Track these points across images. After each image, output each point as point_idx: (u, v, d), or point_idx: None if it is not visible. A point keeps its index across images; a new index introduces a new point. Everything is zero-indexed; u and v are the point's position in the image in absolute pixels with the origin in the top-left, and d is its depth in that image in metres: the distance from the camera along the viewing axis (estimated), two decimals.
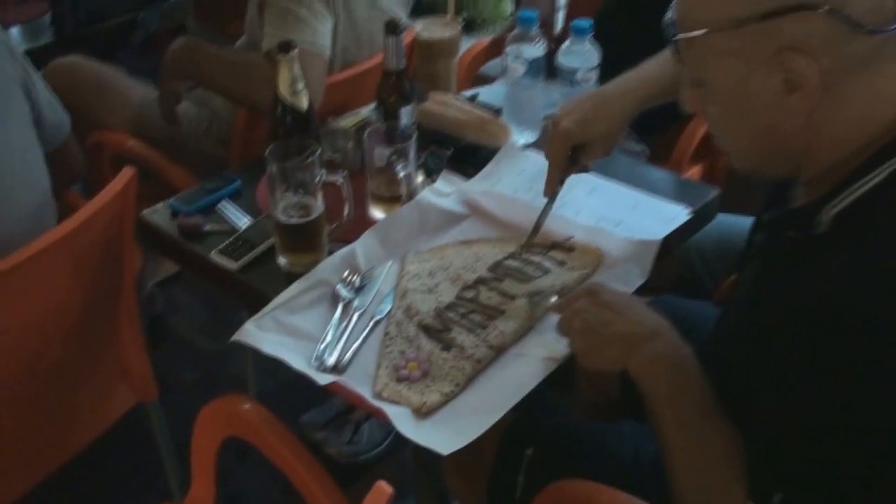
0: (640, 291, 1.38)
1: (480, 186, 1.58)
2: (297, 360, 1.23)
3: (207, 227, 1.51)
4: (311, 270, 1.37)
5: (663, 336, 1.10)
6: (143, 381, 1.75)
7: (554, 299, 1.31)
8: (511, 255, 1.42)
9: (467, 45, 2.24)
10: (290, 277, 1.37)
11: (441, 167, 1.61)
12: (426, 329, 1.29)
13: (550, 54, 1.74)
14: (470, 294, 1.35)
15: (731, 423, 1.05)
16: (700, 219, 1.55)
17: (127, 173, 1.54)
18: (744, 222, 1.51)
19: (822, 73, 0.91)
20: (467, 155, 1.65)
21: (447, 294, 1.35)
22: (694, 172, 2.20)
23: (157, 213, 1.56)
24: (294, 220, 1.38)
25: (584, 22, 1.68)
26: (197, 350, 2.51)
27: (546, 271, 1.39)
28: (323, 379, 1.21)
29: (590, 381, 1.54)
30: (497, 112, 1.75)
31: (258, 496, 2.10)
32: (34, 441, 1.61)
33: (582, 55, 1.68)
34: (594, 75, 1.70)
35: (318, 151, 1.37)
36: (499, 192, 1.55)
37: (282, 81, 1.46)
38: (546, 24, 2.34)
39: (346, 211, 1.44)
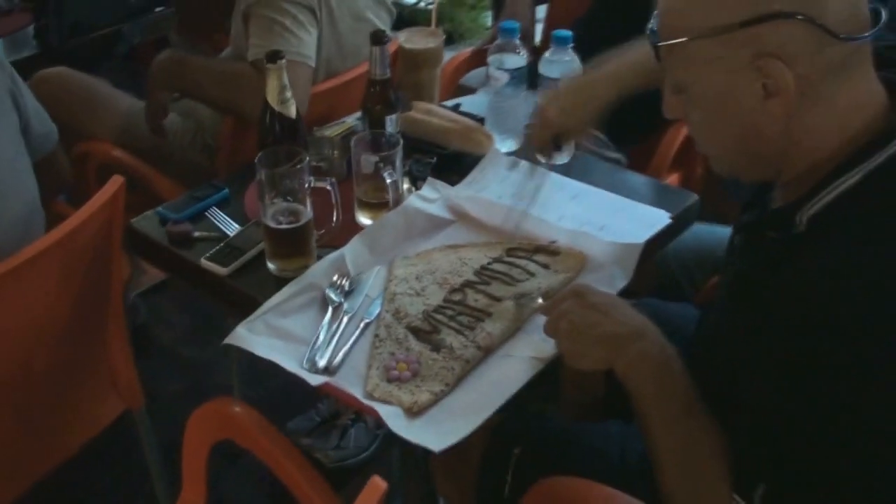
0: (622, 297, 1.41)
1: (465, 193, 1.61)
2: (289, 362, 1.25)
3: (196, 234, 1.53)
4: (301, 275, 1.39)
5: (649, 336, 1.13)
6: (131, 387, 1.76)
7: (539, 301, 1.34)
8: (497, 259, 1.45)
9: (447, 57, 2.27)
10: (280, 282, 1.39)
11: (426, 174, 1.64)
12: (415, 331, 1.31)
13: (532, 64, 1.77)
14: (457, 297, 1.37)
15: (714, 419, 1.08)
16: (680, 224, 1.59)
17: (116, 181, 1.55)
18: (720, 231, 1.55)
19: (798, 79, 0.95)
20: (452, 163, 1.68)
21: (435, 297, 1.37)
22: (671, 181, 2.23)
23: (146, 221, 1.58)
24: (283, 226, 1.40)
25: (566, 32, 1.71)
26: (181, 360, 2.52)
27: (531, 274, 1.42)
28: (315, 380, 1.23)
29: (575, 382, 1.57)
30: (480, 121, 1.78)
31: (246, 502, 2.11)
32: (23, 447, 1.61)
33: (563, 64, 1.71)
34: None
35: (307, 158, 1.40)
36: (483, 198, 1.58)
37: (271, 90, 1.48)
38: (526, 37, 2.37)
39: (334, 217, 1.46)
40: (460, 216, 1.56)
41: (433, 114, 1.74)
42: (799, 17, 0.92)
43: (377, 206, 1.54)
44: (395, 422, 1.16)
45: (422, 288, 1.39)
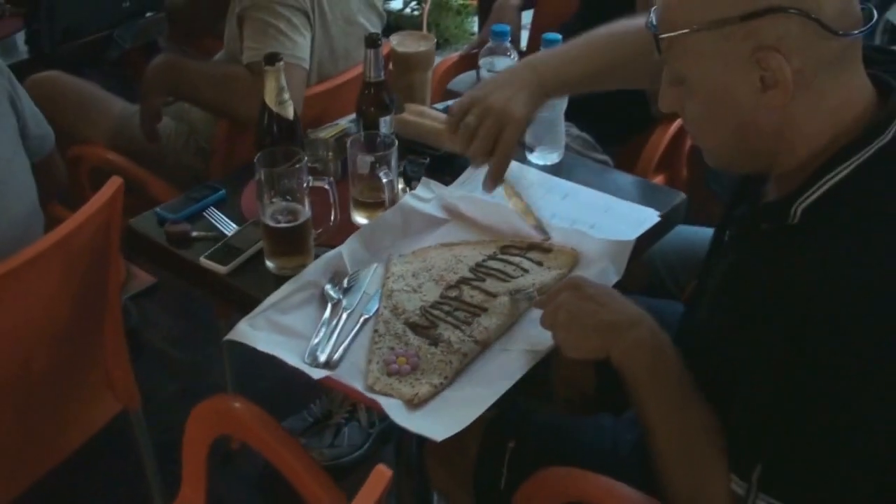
0: None
1: (459, 192, 1.63)
2: (290, 356, 1.28)
3: (195, 234, 1.54)
4: (300, 273, 1.42)
5: (644, 324, 1.16)
6: (128, 388, 1.77)
7: (534, 296, 1.37)
8: (491, 256, 1.48)
9: (436, 61, 2.30)
10: (279, 280, 1.42)
11: (420, 175, 1.66)
12: (413, 326, 1.34)
13: None
14: (453, 293, 1.40)
15: (709, 404, 1.11)
16: (668, 222, 1.62)
17: (114, 183, 1.57)
18: (704, 232, 1.58)
19: (795, 72, 0.98)
20: (444, 164, 1.71)
21: (431, 294, 1.40)
22: (657, 182, 2.27)
23: (145, 221, 1.59)
24: (282, 225, 1.42)
25: (555, 35, 1.74)
26: (173, 362, 2.53)
27: (525, 271, 1.45)
28: (317, 374, 1.25)
29: (566, 380, 1.60)
30: None
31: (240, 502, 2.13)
32: (21, 448, 1.62)
33: None
34: None
35: (305, 158, 1.43)
36: (476, 197, 1.61)
37: (269, 92, 1.51)
38: (512, 41, 2.41)
39: (332, 216, 1.48)
40: (454, 215, 1.59)
41: (425, 115, 1.76)
42: (794, 11, 0.96)
43: (373, 205, 1.56)
44: (398, 413, 1.19)
45: (419, 285, 1.42)
